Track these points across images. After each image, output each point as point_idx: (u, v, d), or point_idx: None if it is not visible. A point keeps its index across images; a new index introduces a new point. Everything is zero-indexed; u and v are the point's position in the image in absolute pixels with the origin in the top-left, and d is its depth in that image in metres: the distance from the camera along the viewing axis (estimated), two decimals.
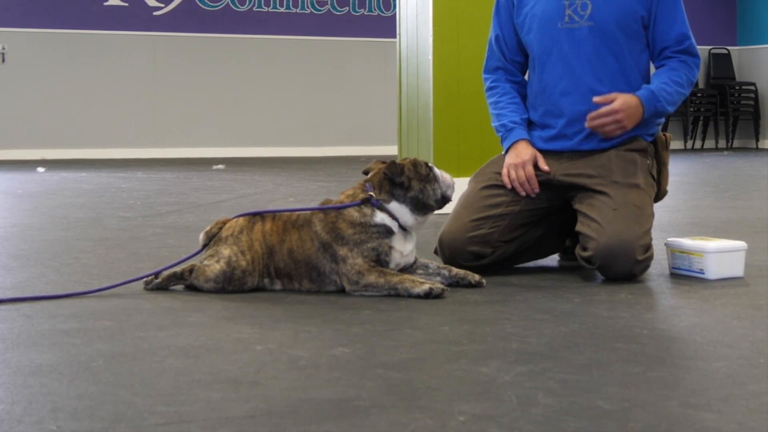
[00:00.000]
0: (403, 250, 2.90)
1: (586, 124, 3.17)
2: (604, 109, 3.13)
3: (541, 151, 3.29)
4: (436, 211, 3.01)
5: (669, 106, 3.20)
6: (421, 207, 2.92)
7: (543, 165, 3.23)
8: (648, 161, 3.25)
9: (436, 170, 2.98)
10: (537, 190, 3.23)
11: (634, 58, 3.26)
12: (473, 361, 2.12)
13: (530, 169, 3.23)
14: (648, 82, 3.28)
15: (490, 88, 3.44)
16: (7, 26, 10.82)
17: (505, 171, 3.26)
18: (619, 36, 3.23)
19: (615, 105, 3.13)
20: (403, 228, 2.91)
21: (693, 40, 3.29)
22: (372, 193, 2.90)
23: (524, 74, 3.46)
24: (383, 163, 2.98)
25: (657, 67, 3.31)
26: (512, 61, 3.42)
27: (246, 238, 2.91)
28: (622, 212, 3.06)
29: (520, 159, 3.24)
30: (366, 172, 3.01)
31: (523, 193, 3.23)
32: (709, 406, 1.79)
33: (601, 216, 3.08)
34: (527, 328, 2.44)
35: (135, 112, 11.18)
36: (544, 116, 3.31)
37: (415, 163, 2.96)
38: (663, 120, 3.38)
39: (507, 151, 3.31)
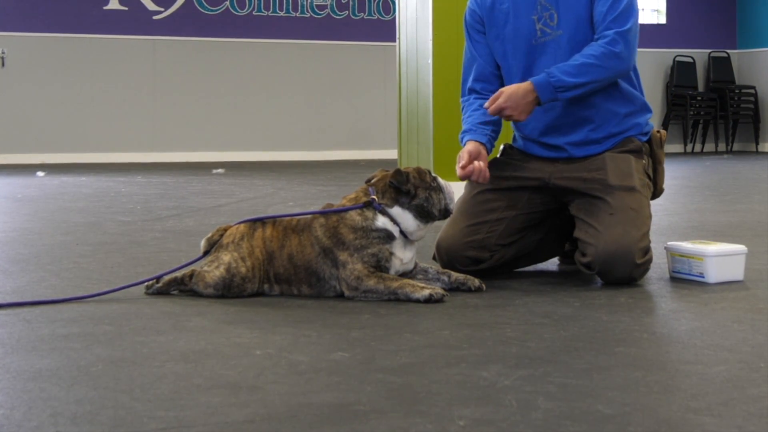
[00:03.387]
0: (403, 257, 2.90)
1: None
2: (492, 110, 3.08)
3: (537, 156, 3.28)
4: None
5: (572, 77, 3.07)
6: (425, 215, 2.92)
7: (482, 162, 3.13)
8: (643, 161, 3.24)
9: (441, 180, 2.98)
10: (485, 177, 3.10)
11: None
12: (473, 365, 2.11)
13: (464, 164, 3.10)
14: None
15: (463, 110, 3.36)
16: (7, 30, 10.83)
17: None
18: (590, 34, 3.18)
19: (500, 102, 3.07)
20: (404, 235, 2.91)
21: (623, 5, 3.13)
22: (374, 197, 2.90)
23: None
24: (386, 171, 2.98)
25: None
26: (491, 74, 3.32)
27: (247, 244, 2.91)
28: (619, 216, 3.06)
29: (459, 163, 3.13)
30: (369, 180, 3.00)
31: (481, 181, 3.13)
32: (709, 410, 1.79)
33: (598, 221, 3.07)
34: (527, 332, 2.44)
35: (135, 116, 11.19)
36: (532, 132, 3.27)
37: (420, 171, 2.96)
38: (651, 113, 3.33)
39: None
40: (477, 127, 3.22)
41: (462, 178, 3.16)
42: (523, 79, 3.20)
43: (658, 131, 3.32)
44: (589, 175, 3.18)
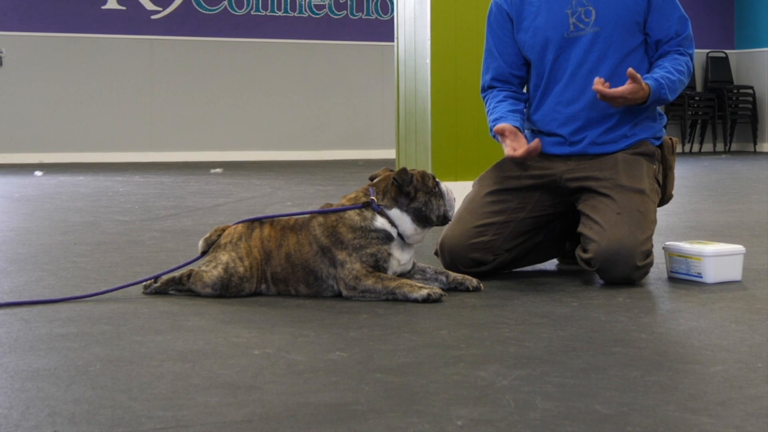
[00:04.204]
0: (401, 258, 2.90)
1: (594, 87, 3.13)
2: (613, 91, 3.10)
3: (549, 154, 3.28)
4: None
5: (671, 94, 3.20)
6: (423, 219, 2.92)
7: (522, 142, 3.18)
8: (654, 166, 3.25)
9: (443, 186, 2.98)
10: (538, 150, 3.17)
11: (638, 56, 3.25)
12: (471, 365, 2.11)
13: (511, 144, 3.15)
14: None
15: (486, 104, 3.40)
16: (4, 30, 10.83)
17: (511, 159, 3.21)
18: (624, 36, 3.23)
19: (623, 91, 3.11)
20: (401, 237, 2.90)
21: (689, 30, 3.28)
22: (374, 198, 2.90)
23: (522, 87, 3.41)
24: (391, 170, 2.98)
25: (656, 58, 3.29)
26: (510, 74, 3.36)
27: (244, 244, 2.91)
28: (625, 217, 3.06)
29: (508, 147, 3.15)
30: (372, 178, 3.00)
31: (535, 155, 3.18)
32: (707, 410, 1.79)
33: (603, 219, 3.07)
34: (525, 332, 2.44)
35: (132, 115, 11.19)
36: (550, 124, 3.29)
37: (423, 175, 2.96)
38: (665, 119, 3.37)
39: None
40: (507, 114, 3.27)
41: (520, 157, 3.14)
42: (551, 71, 3.27)
43: (670, 138, 3.34)
44: (602, 174, 3.18)
